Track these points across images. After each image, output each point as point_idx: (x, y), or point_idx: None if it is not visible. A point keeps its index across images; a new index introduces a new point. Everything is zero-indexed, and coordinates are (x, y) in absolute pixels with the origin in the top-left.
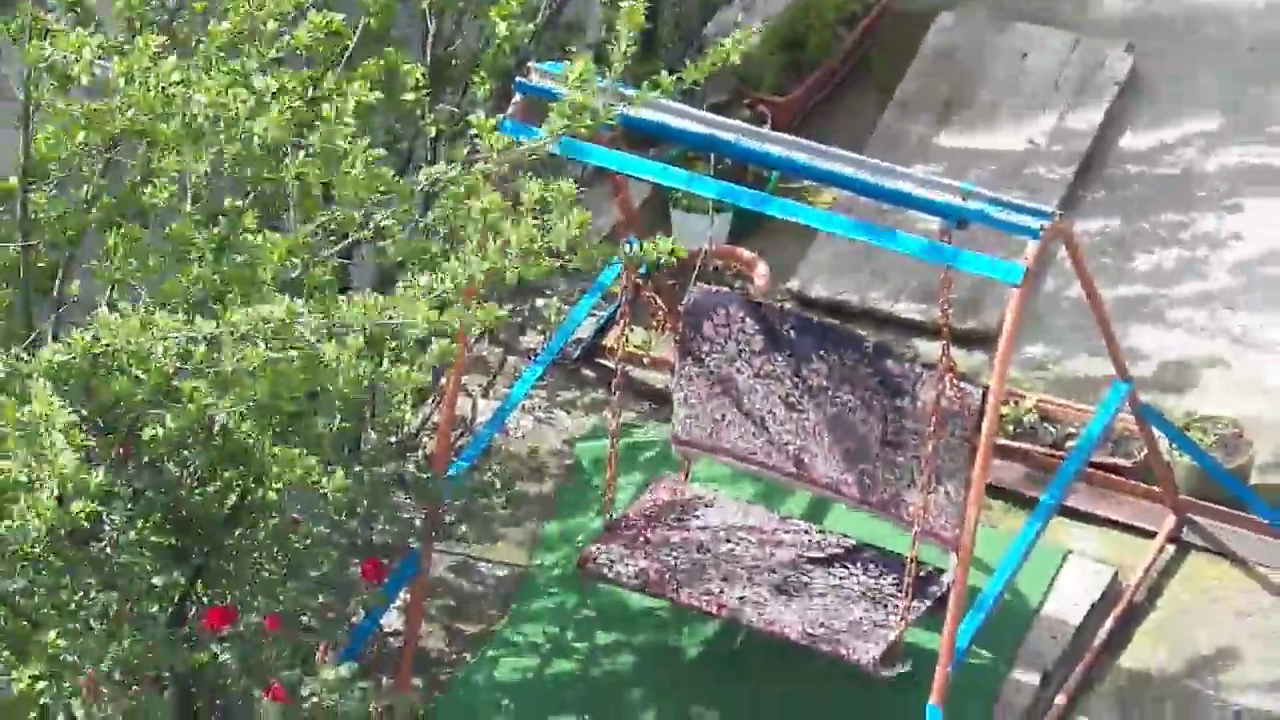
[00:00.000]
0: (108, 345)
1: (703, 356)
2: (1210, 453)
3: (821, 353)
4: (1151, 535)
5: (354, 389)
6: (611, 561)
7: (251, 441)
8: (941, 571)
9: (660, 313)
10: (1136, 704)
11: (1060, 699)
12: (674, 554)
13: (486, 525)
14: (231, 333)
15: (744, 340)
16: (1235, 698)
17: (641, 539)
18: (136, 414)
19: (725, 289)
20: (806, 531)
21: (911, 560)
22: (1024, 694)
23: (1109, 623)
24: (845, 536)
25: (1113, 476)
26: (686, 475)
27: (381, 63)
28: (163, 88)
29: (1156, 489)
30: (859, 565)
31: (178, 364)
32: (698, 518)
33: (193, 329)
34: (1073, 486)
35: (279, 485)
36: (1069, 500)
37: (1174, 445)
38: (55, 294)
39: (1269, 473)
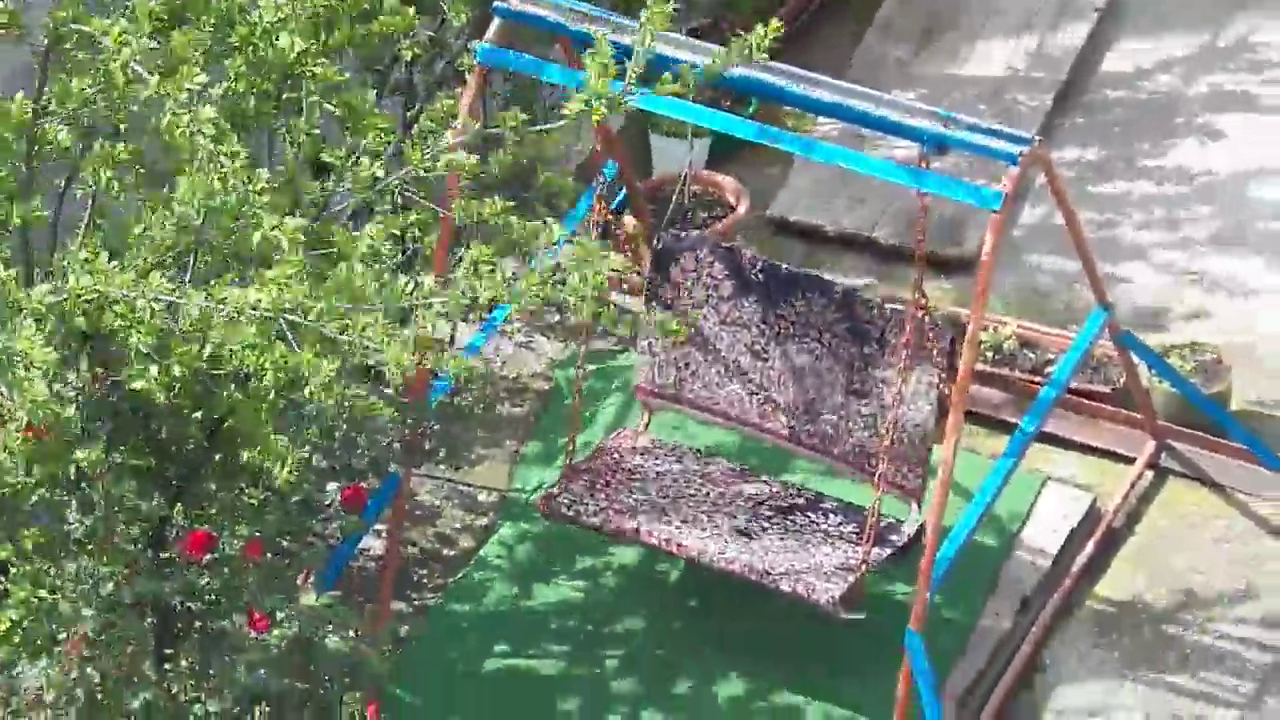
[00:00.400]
0: (99, 292)
1: (670, 302)
2: (1190, 379)
3: (790, 299)
4: (1130, 461)
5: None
6: (572, 501)
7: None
8: (903, 522)
9: (629, 248)
10: (1114, 630)
11: (1038, 626)
12: (634, 496)
13: (465, 449)
14: (220, 308)
15: (712, 285)
16: (1213, 623)
17: (602, 481)
18: (123, 354)
19: (694, 233)
20: (767, 482)
21: (874, 507)
22: (1002, 620)
23: (1088, 549)
24: (806, 488)
25: (1092, 403)
26: (647, 425)
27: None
28: (193, 132)
29: (1136, 415)
30: (820, 514)
31: (167, 322)
32: (658, 464)
33: (182, 294)
34: (1052, 412)
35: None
36: (1048, 426)
37: (1153, 371)
38: (55, 208)
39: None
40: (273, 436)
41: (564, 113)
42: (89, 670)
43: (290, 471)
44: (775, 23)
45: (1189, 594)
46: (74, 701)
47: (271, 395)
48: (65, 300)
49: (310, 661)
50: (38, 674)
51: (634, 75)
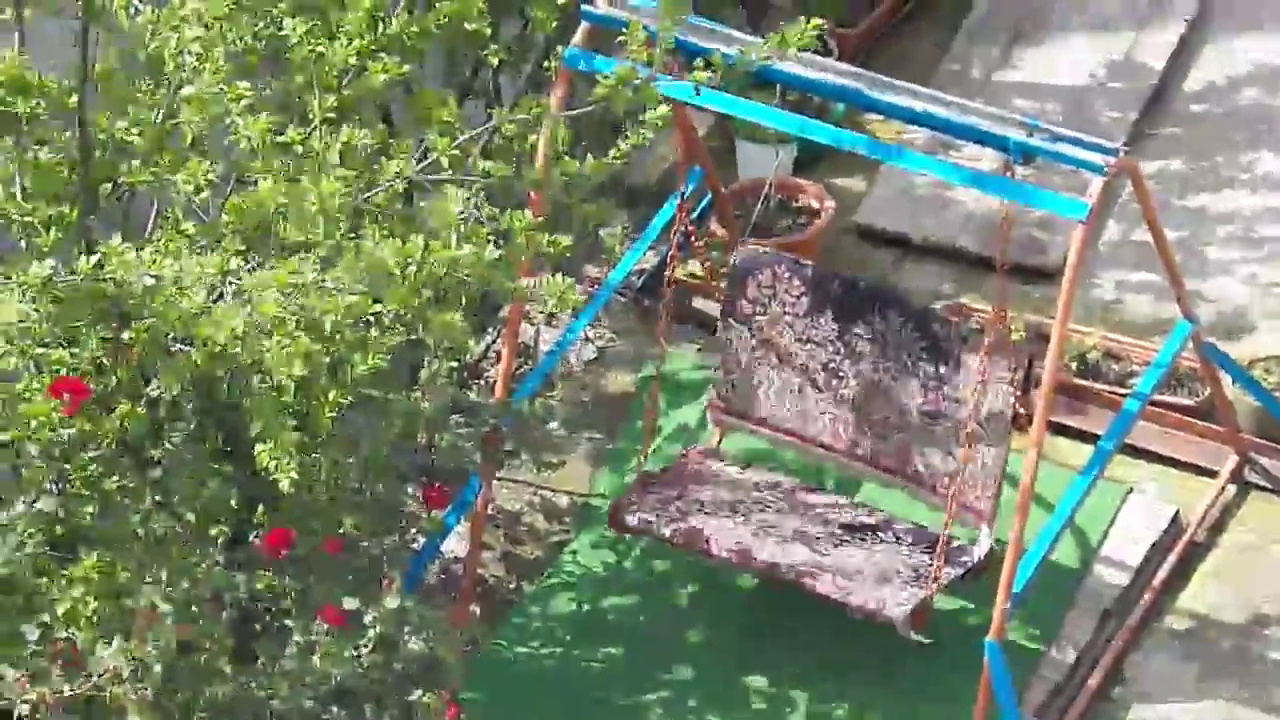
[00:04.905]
0: (111, 274)
1: (745, 318)
2: (1274, 392)
3: (867, 317)
4: (1213, 474)
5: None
6: (640, 513)
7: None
8: (973, 545)
9: (708, 261)
10: (1195, 644)
11: (1119, 638)
12: (706, 510)
13: (544, 453)
14: (238, 285)
15: (789, 303)
16: None
17: (672, 494)
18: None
19: (771, 250)
20: (838, 502)
21: (945, 528)
22: (1082, 632)
23: (1169, 562)
24: (877, 509)
25: (1175, 415)
26: (719, 443)
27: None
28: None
29: (1219, 428)
30: (891, 534)
31: (187, 304)
32: (730, 481)
33: (207, 270)
34: (1135, 424)
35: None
36: (1131, 438)
37: (1237, 384)
38: (122, 213)
39: None
40: (284, 433)
41: (591, 97)
42: (164, 641)
43: (291, 469)
44: (816, 21)
45: (1270, 609)
46: (150, 675)
47: (280, 386)
48: (80, 279)
49: (391, 662)
50: (113, 654)
51: (660, 60)
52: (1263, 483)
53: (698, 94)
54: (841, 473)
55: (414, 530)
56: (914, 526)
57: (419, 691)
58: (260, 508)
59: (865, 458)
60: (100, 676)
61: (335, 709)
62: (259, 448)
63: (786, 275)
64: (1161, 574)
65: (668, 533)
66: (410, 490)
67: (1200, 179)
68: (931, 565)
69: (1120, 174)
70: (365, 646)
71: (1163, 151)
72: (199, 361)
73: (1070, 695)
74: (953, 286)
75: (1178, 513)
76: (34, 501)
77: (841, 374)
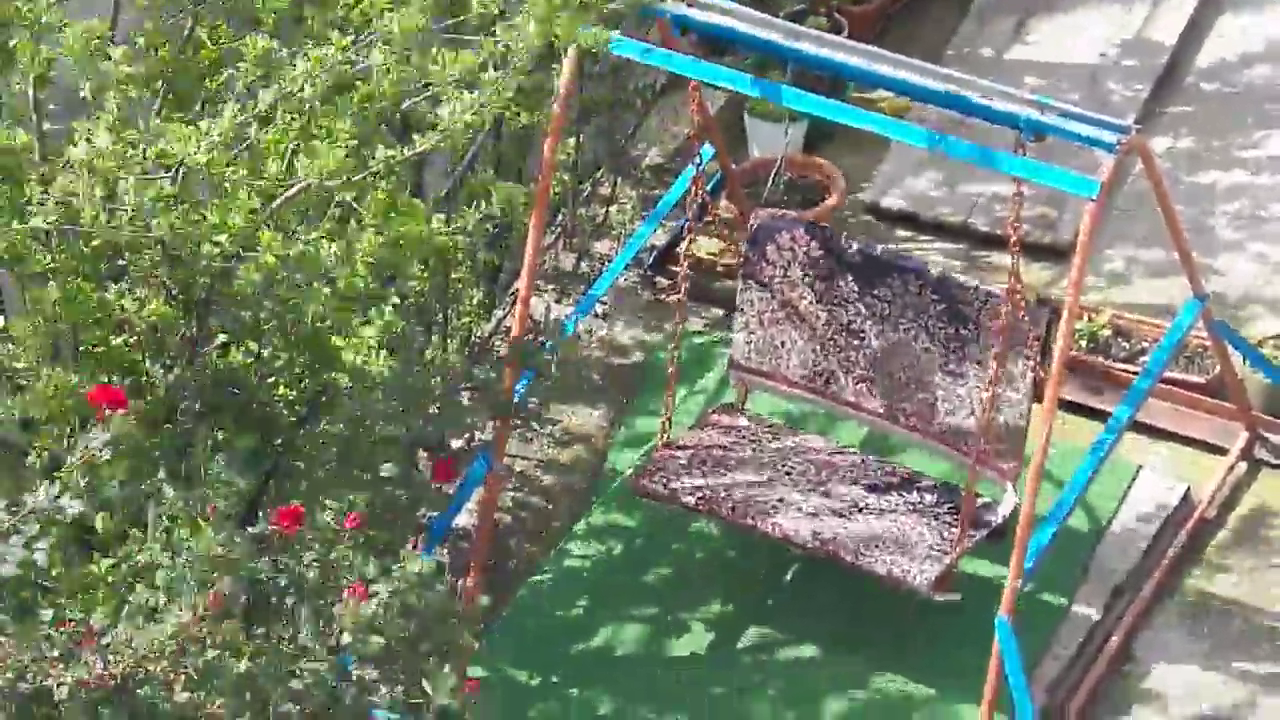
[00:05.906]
0: (164, 152)
1: (765, 280)
2: None
3: (886, 279)
4: (1224, 452)
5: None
6: (666, 479)
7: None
8: (997, 503)
9: (725, 231)
10: (1205, 620)
11: (1130, 614)
12: (729, 475)
13: (546, 425)
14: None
15: (808, 264)
16: None
17: (696, 460)
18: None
19: (791, 213)
20: (863, 461)
21: (969, 489)
22: (1094, 609)
23: (1180, 539)
24: (902, 466)
25: (1186, 392)
26: (743, 404)
27: None
28: None
29: (1229, 405)
30: (915, 493)
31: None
32: (754, 444)
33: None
34: (1145, 402)
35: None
36: (1141, 415)
37: (1248, 362)
38: None
39: None
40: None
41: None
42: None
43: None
44: None
45: None
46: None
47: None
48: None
49: (408, 624)
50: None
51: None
52: (1273, 460)
53: None
54: (865, 429)
55: (423, 505)
56: (939, 484)
57: (434, 661)
58: (273, 486)
59: (890, 415)
60: (140, 653)
61: (349, 681)
62: (340, 343)
63: (805, 238)
64: (1172, 551)
65: (692, 500)
66: (421, 466)
67: (1211, 157)
68: (956, 528)
69: (1131, 152)
70: (382, 617)
71: (1174, 128)
72: (260, 267)
73: (1081, 671)
74: (962, 264)
75: (1188, 490)
76: (57, 497)
77: (863, 334)
